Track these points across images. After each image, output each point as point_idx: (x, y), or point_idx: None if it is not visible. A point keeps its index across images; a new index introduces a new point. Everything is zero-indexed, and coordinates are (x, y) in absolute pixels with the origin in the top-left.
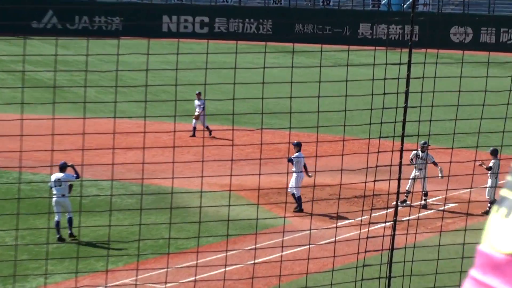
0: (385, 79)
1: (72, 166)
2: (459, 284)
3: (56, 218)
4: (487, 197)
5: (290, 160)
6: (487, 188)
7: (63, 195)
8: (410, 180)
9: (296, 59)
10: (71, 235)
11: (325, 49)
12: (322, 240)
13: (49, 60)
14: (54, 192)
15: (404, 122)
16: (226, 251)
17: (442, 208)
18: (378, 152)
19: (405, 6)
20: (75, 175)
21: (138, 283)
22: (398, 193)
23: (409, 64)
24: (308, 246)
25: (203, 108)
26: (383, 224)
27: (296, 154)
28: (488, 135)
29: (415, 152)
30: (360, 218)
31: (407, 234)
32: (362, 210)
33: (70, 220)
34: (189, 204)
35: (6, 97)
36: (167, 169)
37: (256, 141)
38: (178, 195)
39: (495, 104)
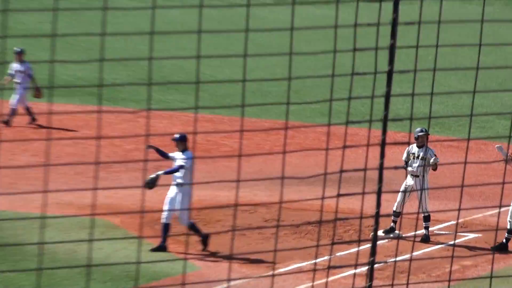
0: (356, 25)
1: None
2: None
3: None
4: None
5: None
6: None
7: None
8: (400, 195)
9: None
10: None
11: None
12: None
13: None
14: None
15: (387, 97)
16: None
17: (453, 242)
18: (344, 147)
19: None
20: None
21: None
22: (377, 216)
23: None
24: None
25: (30, 76)
26: (353, 271)
27: (180, 154)
28: None
29: (408, 148)
30: (314, 261)
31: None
32: (318, 245)
33: None
34: (24, 239)
35: None
36: None
37: (140, 130)
38: (4, 223)
39: None
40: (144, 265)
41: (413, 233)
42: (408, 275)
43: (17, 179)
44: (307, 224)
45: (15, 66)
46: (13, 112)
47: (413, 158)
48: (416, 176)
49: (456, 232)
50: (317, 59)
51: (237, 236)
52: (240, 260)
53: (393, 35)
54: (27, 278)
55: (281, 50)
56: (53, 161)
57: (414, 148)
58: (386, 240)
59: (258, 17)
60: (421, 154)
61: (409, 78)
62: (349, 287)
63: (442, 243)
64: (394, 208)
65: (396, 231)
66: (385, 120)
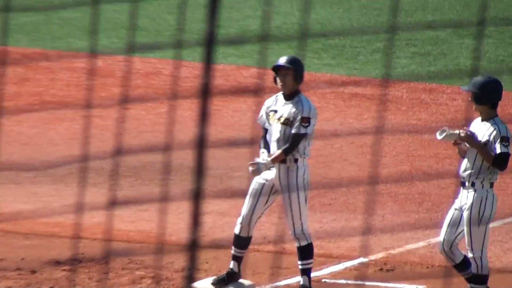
0: None
1: None
2: None
3: None
4: None
5: None
6: None
7: None
8: (249, 199)
9: None
10: None
11: None
12: None
13: None
14: None
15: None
16: None
17: None
18: None
19: None
20: None
21: None
22: (193, 248)
23: None
24: None
25: None
26: None
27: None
28: None
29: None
30: None
31: None
32: None
33: None
34: None
35: None
36: None
37: None
38: None
39: None
40: None
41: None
42: None
43: None
44: None
45: None
46: None
47: (275, 122)
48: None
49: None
50: None
51: None
52: None
53: None
54: None
55: None
56: None
57: (275, 102)
58: None
59: None
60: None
61: None
62: None
63: None
64: (237, 231)
65: (243, 282)
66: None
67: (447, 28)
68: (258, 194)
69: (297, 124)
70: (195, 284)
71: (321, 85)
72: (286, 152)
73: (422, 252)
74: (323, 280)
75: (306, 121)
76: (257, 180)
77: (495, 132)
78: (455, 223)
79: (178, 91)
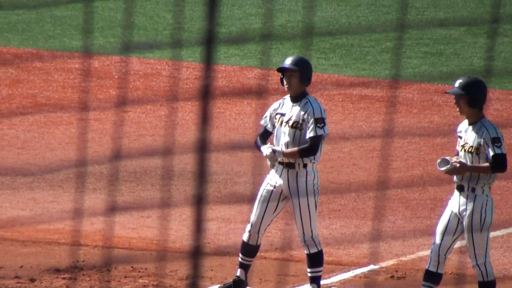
0: None
1: None
2: None
3: None
4: None
5: None
6: None
7: None
8: (258, 205)
9: None
10: None
11: None
12: None
13: None
14: None
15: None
16: None
17: None
18: None
19: None
20: None
21: None
22: (196, 254)
23: None
24: None
25: None
26: None
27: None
28: None
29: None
30: None
31: None
32: None
33: None
34: None
35: None
36: None
37: None
38: None
39: None
40: None
41: None
42: None
43: None
44: None
45: None
46: None
47: (283, 126)
48: (288, 165)
49: None
50: None
51: None
52: None
53: None
54: None
55: None
56: None
57: (282, 105)
58: None
59: None
60: (293, 116)
61: None
62: None
63: None
64: (246, 238)
65: None
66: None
67: (460, 26)
68: (267, 201)
69: (311, 126)
70: None
71: (328, 86)
72: (301, 153)
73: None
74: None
75: (321, 121)
76: (265, 187)
77: (485, 135)
78: (452, 230)
79: (178, 93)
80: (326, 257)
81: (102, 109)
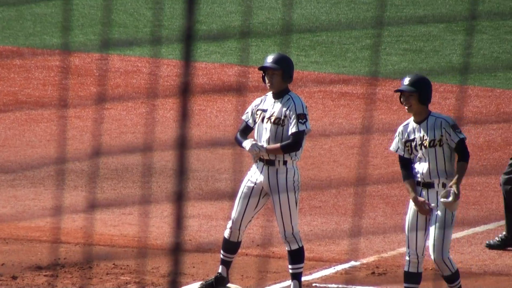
0: None
1: None
2: None
3: None
4: None
5: None
6: None
7: None
8: (239, 201)
9: None
10: None
11: None
12: None
13: None
14: None
15: None
16: None
17: None
18: None
19: None
20: None
21: None
22: (177, 250)
23: None
24: None
25: None
26: None
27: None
28: None
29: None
30: None
31: None
32: None
33: None
34: None
35: None
36: None
37: None
38: None
39: None
40: None
41: None
42: None
43: None
44: None
45: None
46: None
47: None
48: (268, 162)
49: None
50: None
51: None
52: None
53: None
54: None
55: None
56: None
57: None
58: None
59: None
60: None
61: None
62: None
63: None
64: (227, 235)
65: (231, 286)
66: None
67: (439, 23)
68: (248, 197)
69: (293, 122)
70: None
71: (308, 83)
72: (284, 149)
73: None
74: (314, 284)
75: (303, 117)
76: (246, 184)
77: (445, 124)
78: (423, 227)
79: (159, 90)
80: (307, 254)
81: (83, 107)
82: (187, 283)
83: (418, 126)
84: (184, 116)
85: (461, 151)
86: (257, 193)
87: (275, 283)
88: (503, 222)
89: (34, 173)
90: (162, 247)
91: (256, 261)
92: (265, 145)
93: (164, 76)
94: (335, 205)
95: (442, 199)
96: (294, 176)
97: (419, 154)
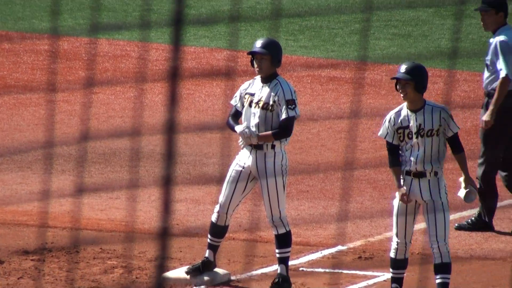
0: None
1: None
2: None
3: None
4: None
5: None
6: None
7: None
8: (226, 185)
9: None
10: None
11: None
12: None
13: None
14: None
15: None
16: None
17: None
18: None
19: None
20: None
21: None
22: (164, 236)
23: None
24: None
25: None
26: None
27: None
28: None
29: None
30: None
31: None
32: None
33: None
34: None
35: None
36: None
37: None
38: None
39: None
40: None
41: (254, 273)
42: None
43: None
44: None
45: None
46: None
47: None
48: (256, 146)
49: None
50: None
51: None
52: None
53: None
54: None
55: None
56: None
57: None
58: None
59: None
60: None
61: None
62: None
63: None
64: (214, 219)
65: (218, 271)
66: None
67: (428, 8)
68: (236, 181)
69: (283, 108)
70: (169, 273)
71: (297, 68)
72: (276, 136)
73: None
74: (300, 268)
75: (292, 103)
76: (234, 168)
77: (444, 114)
78: (412, 214)
79: (147, 74)
80: (294, 238)
81: (71, 91)
82: (174, 267)
83: (413, 114)
84: (172, 100)
85: (457, 142)
86: (245, 177)
87: (262, 267)
88: None
89: (22, 157)
90: (149, 232)
91: (243, 245)
92: (255, 131)
93: (153, 60)
94: (322, 189)
95: (467, 201)
96: (282, 160)
97: (412, 142)
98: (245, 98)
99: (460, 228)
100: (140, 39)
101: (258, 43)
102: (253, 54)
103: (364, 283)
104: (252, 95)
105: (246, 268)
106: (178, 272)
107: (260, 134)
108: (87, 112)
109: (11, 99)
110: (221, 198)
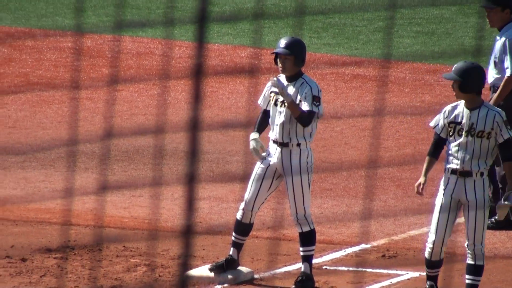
0: None
1: None
2: None
3: None
4: None
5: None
6: None
7: None
8: (252, 183)
9: None
10: None
11: None
12: None
13: None
14: None
15: None
16: None
17: None
18: None
19: None
20: None
21: None
22: (188, 234)
23: None
24: None
25: None
26: None
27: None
28: None
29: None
30: None
31: None
32: None
33: None
34: None
35: None
36: None
37: None
38: None
39: None
40: None
41: (277, 271)
42: None
43: None
44: None
45: None
46: None
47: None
48: (282, 144)
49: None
50: None
51: None
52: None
53: None
54: None
55: None
56: None
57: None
58: None
59: None
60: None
61: None
62: None
63: None
64: (239, 216)
65: (242, 269)
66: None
67: (452, 5)
68: (261, 178)
69: (309, 101)
70: (192, 271)
71: (321, 65)
72: (303, 115)
73: (426, 238)
74: (324, 267)
75: (317, 100)
76: (260, 165)
77: (498, 117)
78: (454, 216)
79: (171, 71)
80: (317, 236)
81: (95, 88)
82: (197, 266)
83: (469, 112)
84: (196, 98)
85: (507, 148)
86: (270, 175)
87: (286, 266)
88: None
89: (45, 155)
90: (173, 230)
91: (266, 243)
92: (279, 129)
93: (176, 58)
94: (346, 187)
95: (505, 202)
96: (307, 158)
97: (461, 140)
98: (270, 97)
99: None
100: (164, 36)
101: (282, 43)
102: (276, 54)
103: (388, 282)
104: (278, 93)
105: (270, 266)
106: (201, 270)
107: (292, 102)
108: (110, 110)
109: (34, 97)
110: (247, 196)
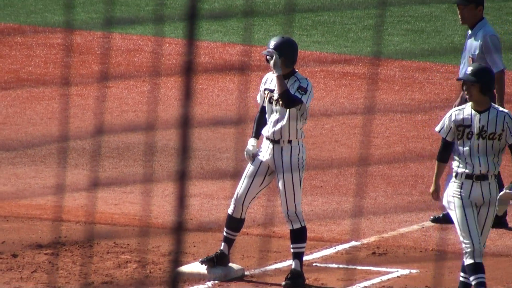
0: None
1: None
2: None
3: None
4: None
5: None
6: None
7: None
8: (243, 181)
9: None
10: None
11: None
12: None
13: None
14: None
15: None
16: None
17: None
18: None
19: None
20: None
21: None
22: (178, 238)
23: None
24: None
25: None
26: None
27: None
28: None
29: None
30: None
31: None
32: None
33: None
34: None
35: None
36: None
37: None
38: None
39: None
40: None
41: (267, 268)
42: None
43: None
44: None
45: None
46: None
47: (273, 103)
48: (274, 141)
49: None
50: None
51: None
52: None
53: None
54: None
55: None
56: None
57: (269, 80)
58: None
59: None
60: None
61: None
62: None
63: None
64: (230, 211)
65: (232, 266)
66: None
67: (441, 3)
68: (254, 174)
69: (295, 89)
70: (182, 268)
71: (310, 63)
72: (286, 92)
73: (416, 235)
74: (314, 264)
75: (303, 89)
76: (254, 161)
77: (508, 119)
78: (479, 222)
79: (161, 68)
80: (308, 233)
81: (85, 85)
82: (188, 262)
83: (478, 115)
84: (187, 95)
85: None
86: (263, 171)
87: (276, 263)
88: None
89: (35, 151)
90: (163, 226)
91: (257, 240)
92: (273, 127)
93: (166, 55)
94: (336, 185)
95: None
96: (299, 154)
97: (472, 143)
98: (264, 94)
99: (435, 220)
100: (154, 33)
101: (271, 44)
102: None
103: (378, 279)
104: (272, 91)
105: (260, 263)
106: (192, 267)
107: (281, 80)
108: (100, 106)
109: (24, 93)
110: (238, 189)
